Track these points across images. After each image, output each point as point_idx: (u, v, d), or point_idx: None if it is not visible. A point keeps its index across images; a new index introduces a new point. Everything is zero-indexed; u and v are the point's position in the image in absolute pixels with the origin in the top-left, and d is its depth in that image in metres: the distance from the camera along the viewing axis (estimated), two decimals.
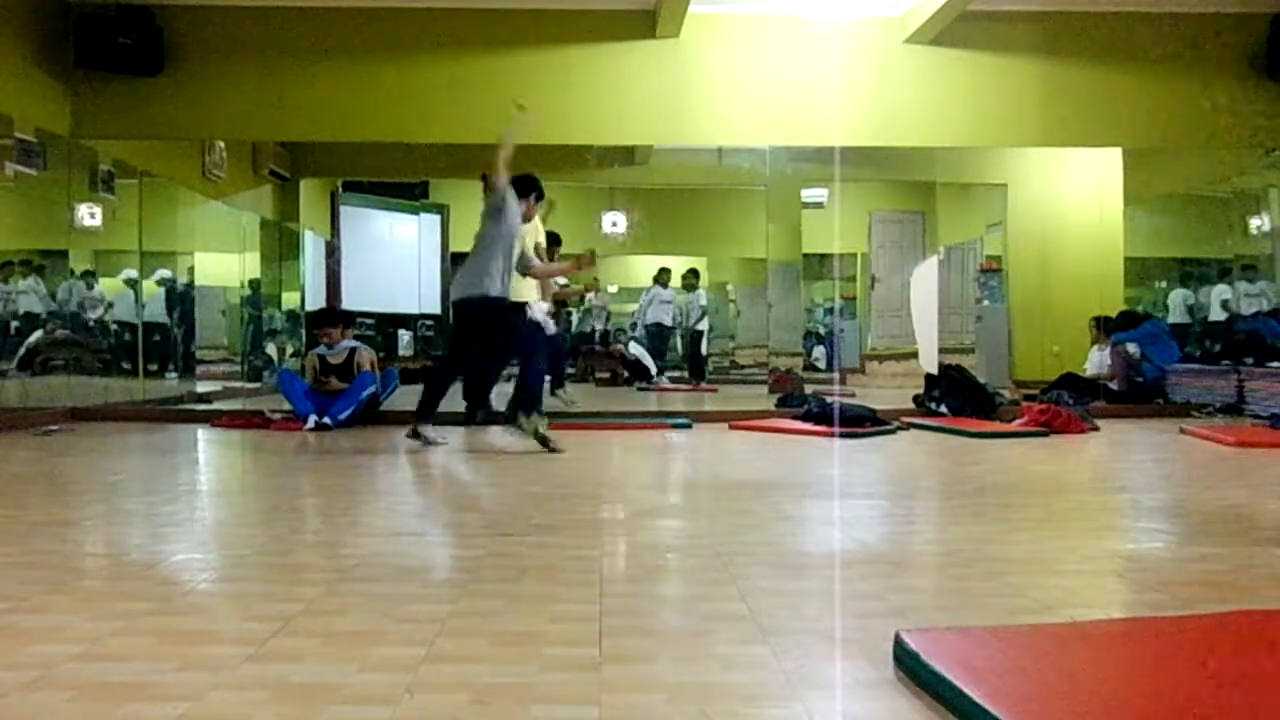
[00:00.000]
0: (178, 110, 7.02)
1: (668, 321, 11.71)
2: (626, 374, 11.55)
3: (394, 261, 11.13)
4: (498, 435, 5.30)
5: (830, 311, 13.95)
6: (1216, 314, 9.01)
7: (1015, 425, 5.78)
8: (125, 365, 7.63)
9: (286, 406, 6.10)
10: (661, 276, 11.81)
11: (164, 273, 8.41)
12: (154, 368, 8.02)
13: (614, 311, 14.43)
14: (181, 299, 8.73)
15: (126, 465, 4.63)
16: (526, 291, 5.70)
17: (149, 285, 8.05)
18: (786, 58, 7.25)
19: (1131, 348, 7.48)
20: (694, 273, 11.89)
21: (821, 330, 14.61)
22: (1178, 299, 9.56)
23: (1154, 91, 7.35)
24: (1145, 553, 2.57)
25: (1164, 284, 9.91)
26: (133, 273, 7.85)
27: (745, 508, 3.20)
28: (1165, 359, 7.50)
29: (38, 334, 6.98)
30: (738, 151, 8.99)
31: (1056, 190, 9.60)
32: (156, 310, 8.22)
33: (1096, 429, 5.78)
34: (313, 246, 10.42)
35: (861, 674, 1.50)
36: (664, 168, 9.68)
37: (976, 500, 3.36)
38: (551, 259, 6.28)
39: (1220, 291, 9.12)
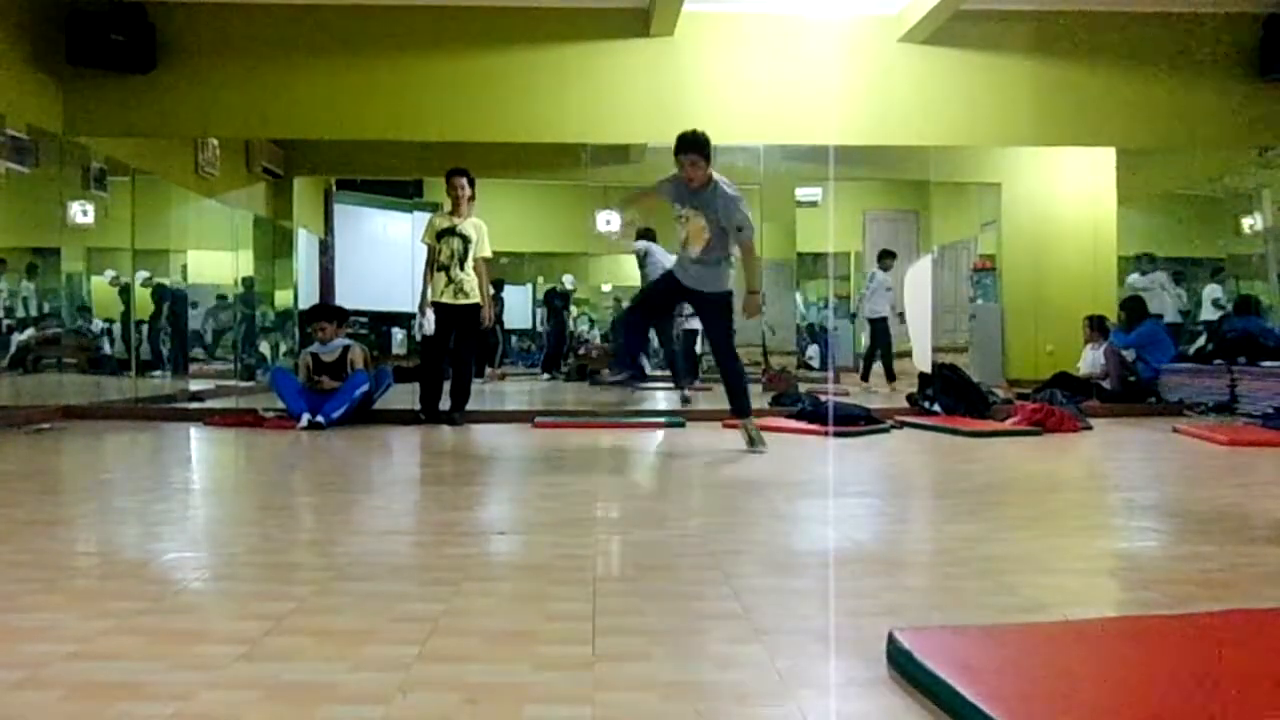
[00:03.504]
0: (170, 107, 7.00)
1: (888, 312, 9.70)
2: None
3: (388, 260, 11.10)
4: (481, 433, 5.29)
5: (824, 310, 13.97)
6: (1208, 313, 9.09)
7: (1008, 424, 5.79)
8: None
9: (280, 405, 6.09)
10: (884, 260, 9.82)
11: (144, 274, 8.31)
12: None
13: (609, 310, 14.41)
14: (173, 299, 8.69)
15: (118, 463, 4.62)
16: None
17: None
18: (780, 56, 7.26)
19: (1128, 354, 7.51)
20: None
21: (815, 328, 14.62)
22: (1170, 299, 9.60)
23: (1147, 91, 7.38)
24: (1138, 551, 2.58)
25: None
26: (113, 272, 7.82)
27: (739, 506, 3.20)
28: (1161, 359, 7.53)
29: (29, 331, 6.96)
30: (732, 150, 8.97)
31: (1050, 189, 9.61)
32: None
33: (1089, 428, 5.79)
34: (306, 244, 10.39)
35: (855, 673, 1.50)
36: (658, 166, 9.66)
37: (970, 499, 3.37)
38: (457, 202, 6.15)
39: (1210, 291, 9.22)
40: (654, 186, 5.05)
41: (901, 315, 9.16)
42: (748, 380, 5.07)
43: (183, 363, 8.83)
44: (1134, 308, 7.98)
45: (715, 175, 4.70)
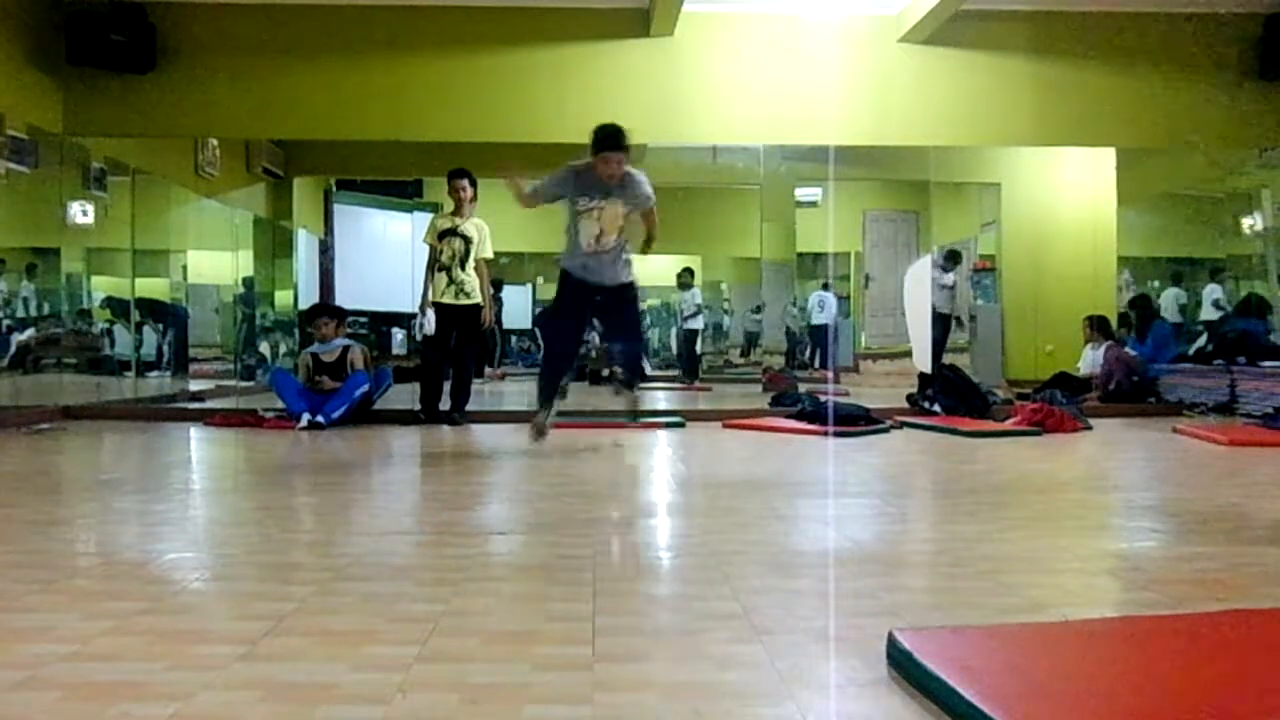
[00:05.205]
0: (170, 107, 7.00)
1: (947, 310, 9.17)
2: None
3: (387, 260, 11.10)
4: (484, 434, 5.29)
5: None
6: (1208, 314, 9.10)
7: (1008, 424, 5.79)
8: None
9: (280, 405, 6.09)
10: (947, 262, 9.23)
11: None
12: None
13: None
14: (171, 313, 8.66)
15: (119, 464, 4.62)
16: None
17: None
18: (780, 56, 7.25)
19: (1133, 352, 7.51)
20: (689, 271, 11.89)
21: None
22: (1170, 298, 9.60)
23: (1147, 91, 7.38)
24: (1138, 551, 2.57)
25: (1157, 283, 9.96)
26: (101, 295, 7.83)
27: (738, 506, 3.20)
28: (1163, 359, 7.55)
29: (29, 331, 6.96)
30: (732, 150, 8.98)
31: (1050, 189, 9.62)
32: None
33: (1089, 428, 5.79)
34: (306, 245, 10.39)
35: (855, 673, 1.50)
36: (658, 166, 9.61)
37: (969, 499, 3.37)
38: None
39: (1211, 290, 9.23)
40: (539, 189, 4.54)
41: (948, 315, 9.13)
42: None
43: (183, 364, 8.83)
44: (1143, 309, 7.95)
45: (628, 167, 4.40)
